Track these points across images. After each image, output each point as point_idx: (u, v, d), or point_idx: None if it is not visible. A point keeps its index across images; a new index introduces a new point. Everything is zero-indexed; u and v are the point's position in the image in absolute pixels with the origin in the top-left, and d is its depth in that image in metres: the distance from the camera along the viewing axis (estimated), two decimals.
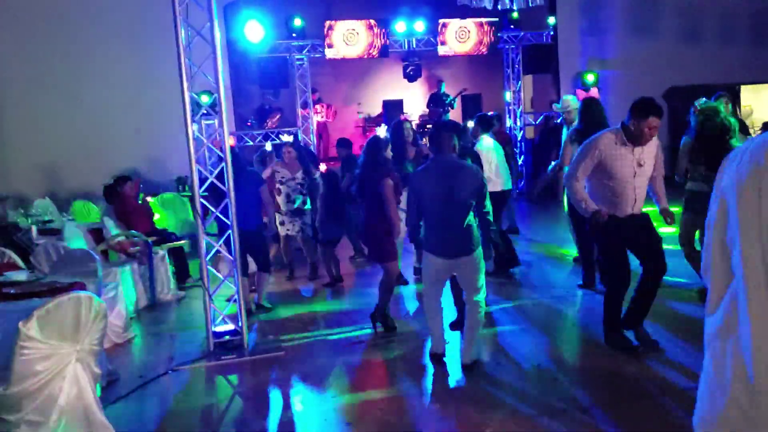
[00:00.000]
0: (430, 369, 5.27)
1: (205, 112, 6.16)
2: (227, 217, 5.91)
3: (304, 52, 14.27)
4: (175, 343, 6.40)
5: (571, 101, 8.05)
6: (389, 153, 6.24)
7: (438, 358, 5.35)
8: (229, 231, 5.95)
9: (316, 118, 15.06)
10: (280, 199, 8.09)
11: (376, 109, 16.55)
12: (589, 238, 6.60)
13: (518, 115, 15.37)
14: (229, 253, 6.00)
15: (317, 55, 14.34)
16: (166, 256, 8.08)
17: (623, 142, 5.02)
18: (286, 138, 13.40)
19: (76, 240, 7.25)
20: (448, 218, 5.01)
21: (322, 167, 8.96)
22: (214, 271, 6.13)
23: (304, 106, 14.56)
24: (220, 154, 5.91)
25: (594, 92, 14.49)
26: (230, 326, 6.02)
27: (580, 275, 7.29)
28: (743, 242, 1.63)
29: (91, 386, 3.99)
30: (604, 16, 16.02)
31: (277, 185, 8.10)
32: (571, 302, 6.84)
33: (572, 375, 5.04)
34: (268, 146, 11.87)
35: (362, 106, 16.87)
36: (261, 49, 13.67)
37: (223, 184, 5.87)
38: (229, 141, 11.49)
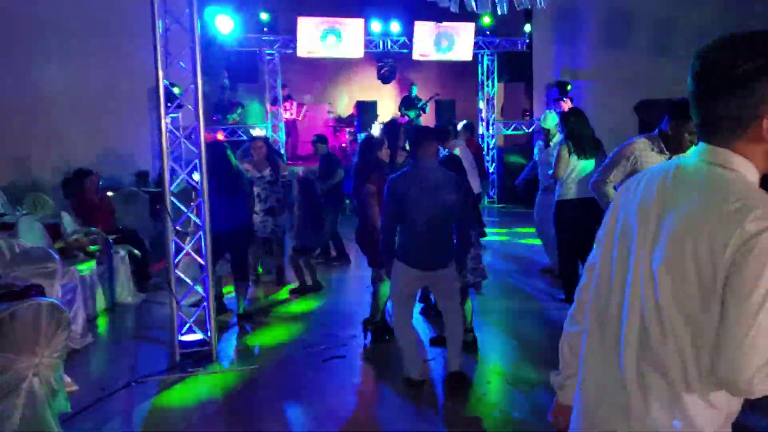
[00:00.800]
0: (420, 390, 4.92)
1: (179, 104, 5.75)
2: (200, 217, 5.51)
3: (275, 47, 13.84)
4: (137, 351, 5.95)
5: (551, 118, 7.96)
6: (385, 153, 5.89)
7: (415, 384, 4.90)
8: (201, 232, 5.56)
9: (285, 116, 14.61)
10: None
11: (348, 110, 16.20)
12: (573, 253, 6.40)
13: (491, 122, 15.16)
14: (201, 256, 5.59)
15: (288, 51, 13.92)
16: (127, 256, 7.61)
17: (660, 149, 4.67)
18: (258, 132, 12.95)
19: (31, 236, 6.74)
20: (430, 228, 4.68)
21: (295, 170, 8.53)
22: (182, 275, 5.69)
23: (273, 102, 14.12)
24: (190, 149, 5.52)
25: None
26: (198, 335, 5.61)
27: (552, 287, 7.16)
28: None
29: (49, 403, 3.58)
30: (578, 26, 15.97)
31: None
32: (552, 314, 6.59)
33: None
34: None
35: (333, 105, 16.49)
36: (229, 41, 13.22)
37: (208, 182, 5.49)
38: (219, 135, 10.99)
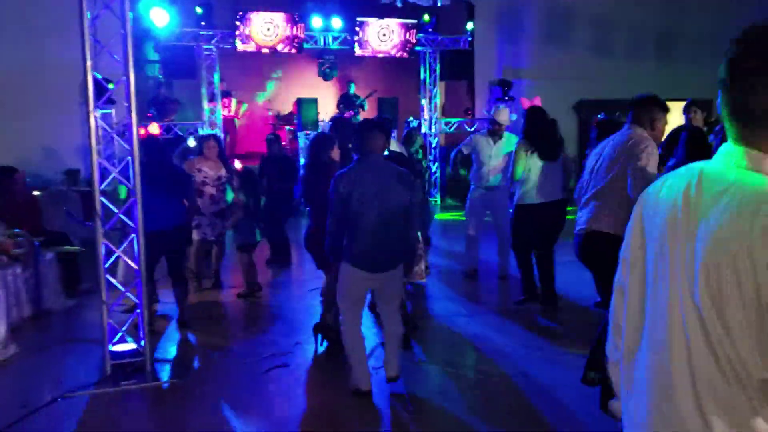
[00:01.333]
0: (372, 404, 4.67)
1: (111, 98, 5.38)
2: (133, 219, 5.15)
3: (213, 42, 13.39)
4: (65, 362, 5.53)
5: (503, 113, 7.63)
6: (336, 153, 5.61)
7: (364, 395, 4.66)
8: (133, 235, 5.20)
9: (223, 113, 14.15)
10: (202, 202, 7.12)
11: (288, 107, 15.84)
12: (528, 251, 6.35)
13: (434, 121, 15.03)
14: (134, 260, 5.23)
15: (227, 46, 13.49)
16: (55, 259, 7.15)
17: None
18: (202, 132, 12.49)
19: None
20: (380, 228, 4.45)
21: (237, 164, 8.17)
22: (114, 280, 5.30)
23: (211, 99, 13.66)
24: (122, 146, 5.14)
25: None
26: (131, 345, 5.24)
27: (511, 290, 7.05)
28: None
29: None
30: (520, 24, 16.01)
31: (199, 186, 7.13)
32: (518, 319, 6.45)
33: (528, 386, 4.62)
34: (191, 141, 10.98)
35: (273, 103, 16.12)
36: (165, 35, 12.73)
37: (143, 181, 5.13)
38: (154, 129, 10.48)
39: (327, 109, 15.56)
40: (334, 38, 14.09)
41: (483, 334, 5.94)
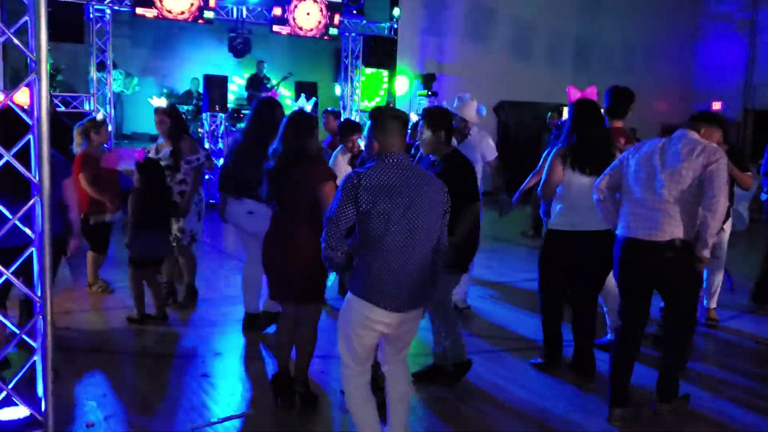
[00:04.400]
0: None
1: None
2: (31, 225, 3.50)
3: (106, 1, 11.38)
4: None
5: (469, 107, 6.07)
6: (317, 141, 4.16)
7: None
8: (33, 249, 3.54)
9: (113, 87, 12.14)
10: None
11: (185, 85, 14.01)
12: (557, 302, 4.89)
13: (354, 110, 13.71)
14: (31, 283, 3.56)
15: (123, 9, 11.54)
16: None
17: None
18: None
19: None
20: (409, 251, 3.21)
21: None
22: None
23: (101, 68, 11.65)
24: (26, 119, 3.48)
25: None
26: (23, 410, 3.57)
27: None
28: None
29: None
30: (444, 17, 15.14)
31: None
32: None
33: None
34: (100, 115, 9.07)
35: (167, 79, 14.23)
36: None
37: (30, 169, 3.44)
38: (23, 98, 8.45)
39: (238, 90, 13.95)
40: (249, 11, 12.46)
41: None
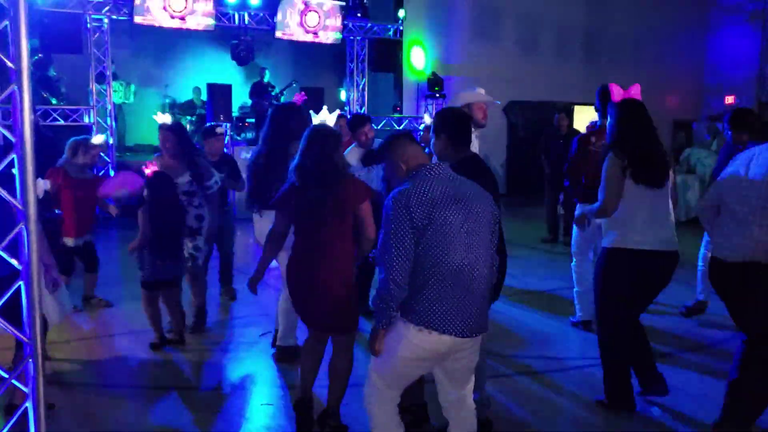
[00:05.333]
0: None
1: None
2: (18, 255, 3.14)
3: (103, 11, 11.08)
4: None
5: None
6: (343, 156, 3.82)
7: None
8: (21, 283, 3.18)
9: (114, 98, 11.83)
10: None
11: (186, 95, 13.73)
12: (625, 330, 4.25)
13: None
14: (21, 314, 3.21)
15: (122, 18, 11.23)
16: None
17: None
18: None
19: None
20: (474, 267, 2.91)
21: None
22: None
23: (100, 79, 11.34)
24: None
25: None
26: None
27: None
28: None
29: None
30: (451, 18, 14.81)
31: None
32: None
33: None
34: (101, 138, 8.68)
35: (170, 89, 13.95)
36: (45, 1, 10.40)
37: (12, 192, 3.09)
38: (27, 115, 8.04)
39: (241, 98, 13.65)
40: (252, 17, 12.15)
41: None
